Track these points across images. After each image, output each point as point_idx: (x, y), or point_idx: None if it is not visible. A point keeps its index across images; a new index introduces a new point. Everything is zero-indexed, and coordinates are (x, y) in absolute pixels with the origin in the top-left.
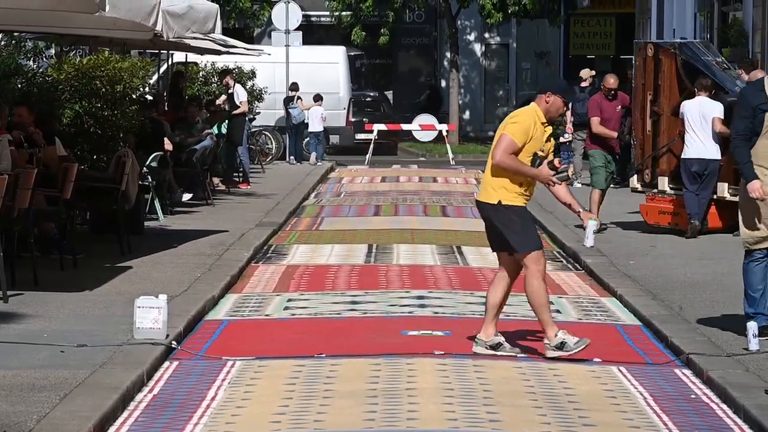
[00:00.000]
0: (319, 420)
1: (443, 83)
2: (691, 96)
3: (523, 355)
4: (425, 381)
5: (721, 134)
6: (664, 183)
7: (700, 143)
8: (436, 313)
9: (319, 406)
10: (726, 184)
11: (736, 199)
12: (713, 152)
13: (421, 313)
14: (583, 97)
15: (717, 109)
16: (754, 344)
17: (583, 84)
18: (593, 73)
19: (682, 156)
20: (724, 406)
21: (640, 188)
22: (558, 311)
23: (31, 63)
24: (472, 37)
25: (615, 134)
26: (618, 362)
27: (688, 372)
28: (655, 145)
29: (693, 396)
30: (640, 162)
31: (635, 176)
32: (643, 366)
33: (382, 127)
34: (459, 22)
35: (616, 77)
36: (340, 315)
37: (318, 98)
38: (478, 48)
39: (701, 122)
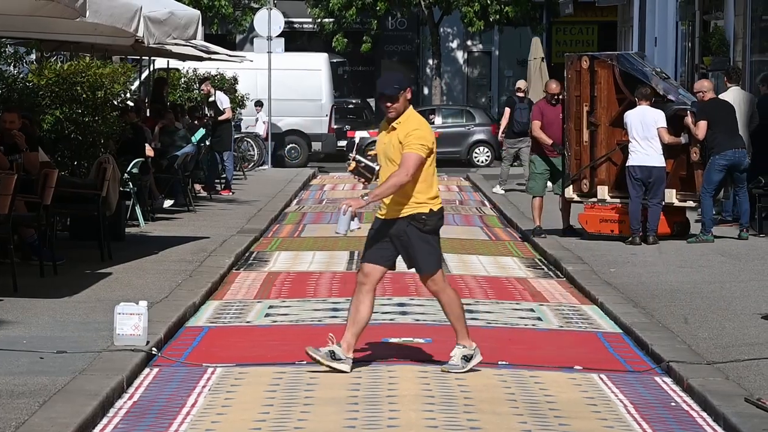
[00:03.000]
0: (300, 427)
1: (426, 90)
2: (632, 106)
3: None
4: (406, 388)
5: (670, 144)
6: (603, 192)
7: (643, 151)
8: (417, 320)
9: (300, 413)
10: (674, 191)
11: (685, 204)
12: (656, 159)
13: (402, 320)
14: (522, 107)
15: (659, 117)
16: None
17: (519, 94)
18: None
19: (627, 164)
20: (704, 414)
21: (576, 198)
22: (539, 319)
23: (11, 68)
24: (454, 45)
25: (550, 141)
26: (599, 370)
27: (668, 380)
28: (593, 155)
29: (673, 404)
30: (575, 172)
31: (570, 186)
32: (623, 374)
33: (365, 134)
34: (441, 30)
35: (558, 83)
36: (321, 322)
37: (259, 104)
38: (460, 55)
39: (642, 130)
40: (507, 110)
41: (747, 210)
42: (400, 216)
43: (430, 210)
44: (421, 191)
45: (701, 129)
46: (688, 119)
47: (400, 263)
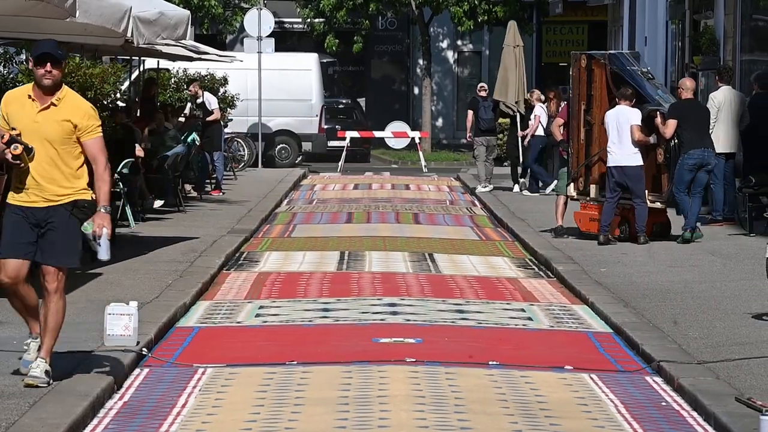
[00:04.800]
0: (291, 427)
1: (416, 90)
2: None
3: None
4: (397, 388)
5: (639, 142)
6: (595, 191)
7: (617, 152)
8: (408, 320)
9: (291, 414)
10: (646, 191)
11: (654, 205)
12: (629, 159)
13: (392, 320)
14: (486, 105)
15: (634, 116)
16: None
17: (482, 94)
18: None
19: (607, 165)
20: (695, 414)
21: (575, 196)
22: (530, 319)
23: (1, 69)
24: (444, 45)
25: (559, 138)
26: (589, 370)
27: (659, 379)
28: (588, 154)
29: (664, 403)
30: (574, 170)
31: (572, 184)
32: (614, 373)
33: (355, 134)
34: (431, 30)
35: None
36: (312, 322)
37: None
38: (450, 55)
39: (618, 130)
40: (470, 112)
41: (696, 213)
42: (59, 202)
43: (92, 197)
44: (82, 176)
45: (669, 127)
46: (658, 120)
47: (398, 265)
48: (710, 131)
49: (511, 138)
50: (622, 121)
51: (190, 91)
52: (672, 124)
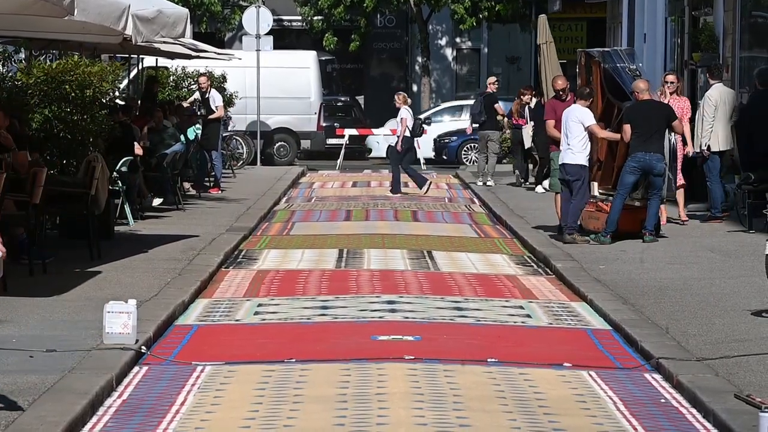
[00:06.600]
0: (289, 425)
1: (414, 88)
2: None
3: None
4: (395, 386)
5: (606, 139)
6: (594, 188)
7: (563, 148)
8: (407, 317)
9: (289, 411)
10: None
11: (637, 204)
12: (569, 157)
13: (391, 317)
14: (478, 101)
15: (586, 117)
16: None
17: (488, 90)
18: (494, 79)
19: None
20: (694, 411)
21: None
22: (528, 316)
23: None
24: (443, 42)
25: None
26: (588, 367)
27: (657, 376)
28: (593, 151)
29: (663, 400)
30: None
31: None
32: (613, 370)
33: (354, 131)
34: (430, 27)
35: (564, 79)
36: (311, 320)
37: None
38: (449, 53)
39: (566, 128)
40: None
41: (652, 215)
42: None
43: None
44: None
45: (625, 133)
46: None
47: (397, 263)
48: (664, 136)
49: (542, 136)
50: (570, 120)
51: (200, 85)
52: (626, 129)
